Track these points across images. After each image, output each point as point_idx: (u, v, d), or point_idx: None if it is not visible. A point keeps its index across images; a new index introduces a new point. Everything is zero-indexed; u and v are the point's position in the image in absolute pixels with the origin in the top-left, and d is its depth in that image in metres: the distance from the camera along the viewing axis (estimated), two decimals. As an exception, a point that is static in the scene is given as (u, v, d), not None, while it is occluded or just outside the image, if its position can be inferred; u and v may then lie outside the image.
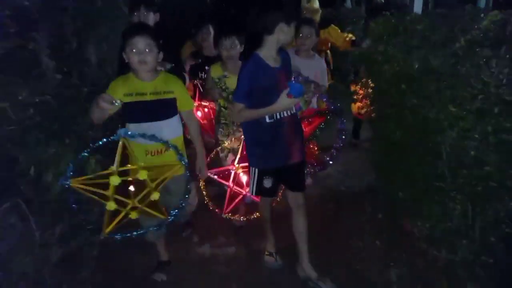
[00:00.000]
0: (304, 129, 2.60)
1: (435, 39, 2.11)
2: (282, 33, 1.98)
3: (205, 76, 2.98)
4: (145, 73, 1.99)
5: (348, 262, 2.39)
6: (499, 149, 1.65)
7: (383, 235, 2.52)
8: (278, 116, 2.07)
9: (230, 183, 2.68)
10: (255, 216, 2.68)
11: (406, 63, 2.15)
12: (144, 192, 1.80)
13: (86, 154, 1.67)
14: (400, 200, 2.32)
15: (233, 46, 2.61)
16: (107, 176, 1.68)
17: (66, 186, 1.66)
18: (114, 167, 1.66)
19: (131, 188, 1.81)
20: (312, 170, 3.03)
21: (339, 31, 3.89)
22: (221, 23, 3.51)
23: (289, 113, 2.11)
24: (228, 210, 2.72)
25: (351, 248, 2.50)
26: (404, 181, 2.29)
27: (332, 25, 3.88)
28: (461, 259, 1.85)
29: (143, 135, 1.76)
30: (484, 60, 1.75)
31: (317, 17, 3.72)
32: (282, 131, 2.12)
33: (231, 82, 2.59)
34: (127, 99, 1.96)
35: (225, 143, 2.68)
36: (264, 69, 2.01)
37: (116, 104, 1.75)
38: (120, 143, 1.68)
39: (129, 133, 1.71)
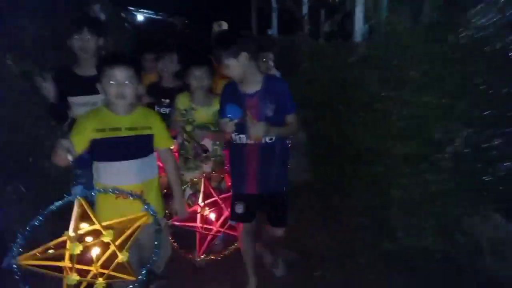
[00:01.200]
0: None
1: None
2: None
3: (166, 104, 2.81)
4: (122, 107, 1.80)
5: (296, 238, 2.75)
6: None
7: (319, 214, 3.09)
8: (240, 141, 2.08)
9: (198, 225, 2.51)
10: (230, 250, 2.54)
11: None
12: (108, 253, 1.52)
13: (36, 223, 1.37)
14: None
15: (204, 77, 2.49)
16: (63, 245, 1.41)
17: (13, 266, 1.35)
18: (70, 233, 1.40)
19: (94, 251, 1.52)
20: None
21: None
22: (192, 53, 3.49)
23: (250, 141, 2.05)
24: (201, 252, 2.55)
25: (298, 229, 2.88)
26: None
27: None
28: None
29: (102, 191, 1.58)
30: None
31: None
32: (246, 157, 2.10)
33: (199, 115, 2.53)
34: (98, 135, 1.75)
35: (184, 177, 2.53)
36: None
37: (70, 157, 1.56)
38: (77, 203, 1.43)
39: (86, 191, 1.51)
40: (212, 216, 2.58)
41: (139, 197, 1.62)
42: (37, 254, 1.40)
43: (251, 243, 2.29)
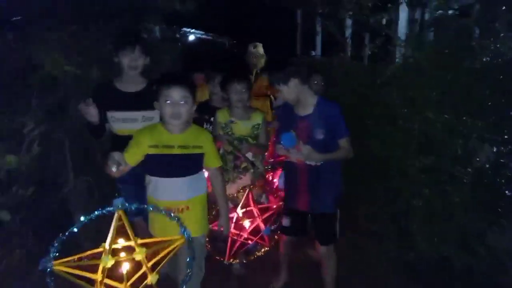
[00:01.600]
0: None
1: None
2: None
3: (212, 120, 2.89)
4: (176, 126, 1.87)
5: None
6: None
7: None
8: (292, 159, 2.21)
9: (232, 231, 2.61)
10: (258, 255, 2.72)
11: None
12: (139, 274, 1.52)
13: (75, 230, 1.37)
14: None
15: (244, 92, 2.60)
16: (98, 256, 1.40)
17: (48, 270, 1.33)
18: (106, 245, 1.39)
19: (124, 267, 1.48)
20: None
21: None
22: (232, 68, 3.58)
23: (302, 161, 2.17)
24: (228, 257, 2.66)
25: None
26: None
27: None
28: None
29: (143, 209, 1.58)
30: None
31: (262, 62, 4.14)
32: (296, 176, 2.25)
33: (237, 128, 2.66)
34: (152, 151, 1.84)
35: None
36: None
37: (119, 168, 1.64)
38: (116, 215, 1.42)
39: (127, 204, 1.45)
40: (247, 224, 2.70)
41: (177, 219, 1.58)
42: (73, 261, 1.39)
43: (288, 252, 2.49)
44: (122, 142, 1.95)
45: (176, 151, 1.86)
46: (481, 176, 2.43)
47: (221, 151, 2.73)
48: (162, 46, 3.78)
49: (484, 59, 2.29)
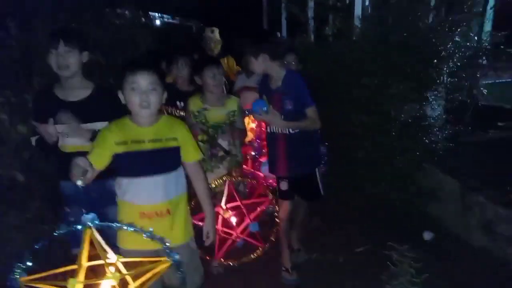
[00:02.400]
0: None
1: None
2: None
3: (182, 105, 2.82)
4: (145, 117, 1.65)
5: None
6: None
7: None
8: (270, 130, 2.38)
9: (219, 228, 2.53)
10: (249, 258, 2.62)
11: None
12: None
13: (45, 243, 1.21)
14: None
15: (221, 75, 2.51)
16: (72, 273, 1.16)
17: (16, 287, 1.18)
18: (78, 264, 1.16)
19: None
20: None
21: (234, 62, 4.48)
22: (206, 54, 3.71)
23: (279, 130, 2.31)
24: (219, 255, 2.56)
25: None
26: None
27: (229, 55, 4.47)
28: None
29: (115, 226, 1.27)
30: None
31: (219, 48, 4.14)
32: (275, 144, 2.38)
33: (211, 116, 2.53)
34: (120, 149, 1.62)
35: None
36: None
37: (87, 177, 1.41)
38: (85, 233, 1.19)
39: (96, 222, 1.22)
40: (234, 220, 2.58)
41: (161, 239, 1.29)
42: (42, 278, 1.21)
43: (288, 226, 2.53)
44: (68, 160, 1.51)
45: (147, 146, 1.64)
46: (406, 129, 3.13)
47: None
48: (133, 32, 3.51)
49: (405, 34, 2.95)
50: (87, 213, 1.22)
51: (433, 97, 3.07)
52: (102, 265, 1.20)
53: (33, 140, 1.96)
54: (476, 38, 3.50)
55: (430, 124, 3.12)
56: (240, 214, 2.64)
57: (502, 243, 2.59)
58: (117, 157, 1.64)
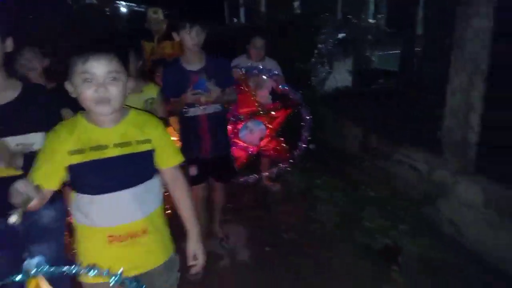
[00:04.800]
0: (269, 125, 3.18)
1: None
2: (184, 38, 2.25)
3: None
4: (106, 115, 1.27)
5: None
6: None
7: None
8: (193, 113, 2.37)
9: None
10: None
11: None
12: None
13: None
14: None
15: (134, 61, 2.43)
16: None
17: None
18: None
19: None
20: (282, 168, 3.46)
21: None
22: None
23: (203, 112, 2.35)
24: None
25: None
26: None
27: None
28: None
29: (71, 271, 0.97)
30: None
31: (164, 28, 3.89)
32: (197, 126, 2.39)
33: (127, 102, 1.82)
34: (76, 159, 1.25)
35: None
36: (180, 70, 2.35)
37: (11, 221, 0.95)
38: (29, 283, 0.92)
39: (45, 269, 0.93)
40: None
41: (135, 282, 1.06)
42: None
43: (204, 209, 2.56)
44: None
45: (112, 152, 1.28)
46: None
47: None
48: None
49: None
50: (30, 257, 0.95)
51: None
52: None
53: None
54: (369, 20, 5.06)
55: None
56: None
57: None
58: (71, 170, 1.25)
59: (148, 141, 1.34)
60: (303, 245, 2.92)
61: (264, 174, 3.62)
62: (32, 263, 0.91)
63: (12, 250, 1.28)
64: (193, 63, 2.35)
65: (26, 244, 1.39)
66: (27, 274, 0.90)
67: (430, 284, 2.45)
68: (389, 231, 2.87)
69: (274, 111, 3.22)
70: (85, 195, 1.29)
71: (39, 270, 0.91)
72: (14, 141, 1.40)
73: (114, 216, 1.29)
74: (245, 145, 3.32)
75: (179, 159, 1.46)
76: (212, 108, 2.38)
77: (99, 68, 1.19)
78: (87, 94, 1.21)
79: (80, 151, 1.25)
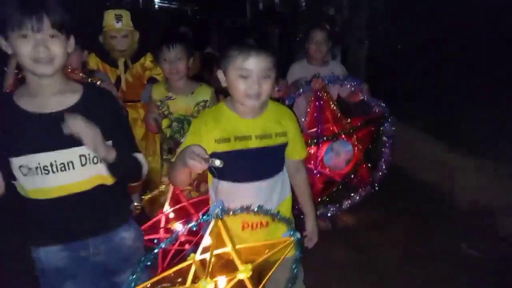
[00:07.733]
0: (357, 145, 2.41)
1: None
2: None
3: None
4: (252, 108, 1.31)
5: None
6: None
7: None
8: None
9: (161, 235, 1.87)
10: None
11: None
12: None
13: (162, 246, 1.05)
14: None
15: (180, 59, 2.04)
16: (186, 270, 1.00)
17: None
18: (197, 256, 1.00)
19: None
20: (363, 193, 2.51)
21: None
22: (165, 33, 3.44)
23: None
24: (160, 271, 1.81)
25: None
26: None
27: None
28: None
29: (245, 210, 1.08)
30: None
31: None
32: None
33: (176, 106, 2.10)
34: (221, 147, 1.31)
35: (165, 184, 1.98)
36: None
37: (216, 164, 1.09)
38: (214, 225, 1.01)
39: (226, 209, 1.04)
40: (180, 228, 1.83)
41: (286, 220, 1.15)
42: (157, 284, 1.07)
43: None
44: (56, 210, 1.19)
45: (254, 143, 1.32)
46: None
47: (160, 138, 2.24)
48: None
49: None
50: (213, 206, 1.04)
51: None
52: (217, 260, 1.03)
53: None
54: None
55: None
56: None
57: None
58: (215, 157, 1.21)
59: (284, 134, 1.39)
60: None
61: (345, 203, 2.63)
62: (218, 205, 1.02)
63: (82, 279, 1.23)
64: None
65: (106, 274, 1.31)
66: (213, 216, 1.00)
67: None
68: None
69: (359, 128, 2.52)
70: (225, 182, 1.33)
71: (222, 212, 1.01)
72: (76, 153, 1.17)
73: (250, 204, 1.22)
74: (329, 173, 2.59)
75: (305, 153, 1.54)
76: None
77: (257, 65, 1.24)
78: (241, 88, 1.25)
79: (226, 140, 1.31)
